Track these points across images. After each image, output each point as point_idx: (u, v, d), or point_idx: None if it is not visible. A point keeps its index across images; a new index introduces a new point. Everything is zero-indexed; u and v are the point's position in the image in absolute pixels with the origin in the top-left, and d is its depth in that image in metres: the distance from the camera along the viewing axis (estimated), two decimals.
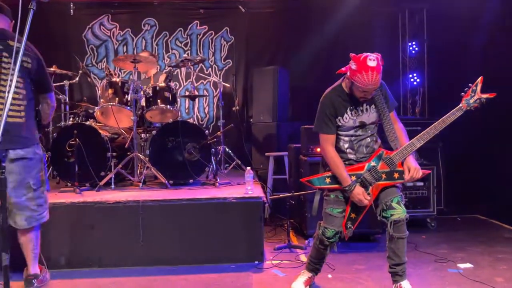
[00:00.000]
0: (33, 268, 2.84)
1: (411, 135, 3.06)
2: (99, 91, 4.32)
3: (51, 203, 3.24)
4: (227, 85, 5.43)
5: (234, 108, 5.83)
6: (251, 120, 5.63)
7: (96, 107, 4.25)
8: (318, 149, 3.98)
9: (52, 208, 3.23)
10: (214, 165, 4.26)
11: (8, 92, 1.87)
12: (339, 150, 2.68)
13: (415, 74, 5.99)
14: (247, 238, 3.34)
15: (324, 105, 2.68)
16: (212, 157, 4.24)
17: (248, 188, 3.46)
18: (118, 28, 5.99)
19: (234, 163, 4.91)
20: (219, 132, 4.47)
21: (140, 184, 4.02)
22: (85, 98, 5.23)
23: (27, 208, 2.72)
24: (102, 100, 4.20)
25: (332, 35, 5.82)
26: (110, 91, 4.17)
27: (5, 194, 1.72)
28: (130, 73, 5.86)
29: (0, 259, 1.66)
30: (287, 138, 5.30)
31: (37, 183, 2.78)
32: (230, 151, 4.94)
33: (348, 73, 2.54)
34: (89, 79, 5.28)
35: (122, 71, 5.96)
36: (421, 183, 4.45)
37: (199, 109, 6.11)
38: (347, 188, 2.56)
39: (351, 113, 2.61)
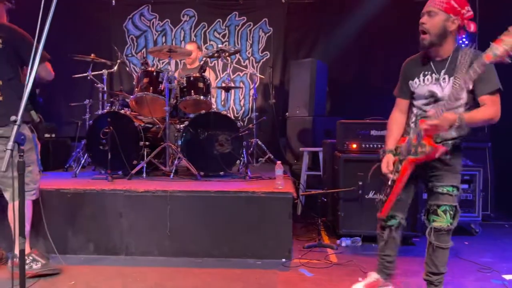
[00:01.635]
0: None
1: None
2: (135, 81, 4.34)
3: (82, 189, 3.31)
4: (262, 77, 5.33)
5: (270, 101, 5.72)
6: (287, 113, 5.49)
7: (131, 96, 4.27)
8: (354, 145, 3.81)
9: (83, 194, 3.30)
10: (246, 158, 4.17)
11: None
12: (407, 123, 2.45)
13: None
14: (275, 234, 3.23)
15: (401, 68, 2.49)
16: (244, 150, 4.16)
17: (278, 183, 3.34)
18: (157, 18, 6.03)
19: (266, 157, 4.81)
20: (251, 125, 4.37)
21: (171, 175, 4.00)
22: (121, 87, 5.30)
23: (11, 185, 2.65)
24: (136, 89, 4.21)
25: (372, 30, 5.57)
26: (145, 80, 4.18)
27: (23, 178, 1.71)
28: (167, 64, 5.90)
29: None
30: (323, 133, 5.12)
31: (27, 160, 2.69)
32: (262, 145, 4.83)
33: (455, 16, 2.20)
34: (127, 69, 5.35)
35: (161, 61, 6.00)
36: (466, 186, 4.15)
37: (235, 101, 6.05)
38: (381, 155, 2.46)
39: (424, 79, 2.31)
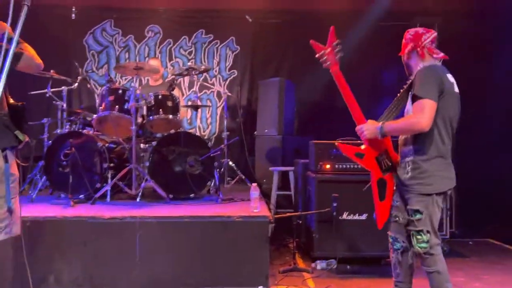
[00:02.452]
0: None
1: None
2: (98, 98, 4.12)
3: (39, 216, 3.05)
4: (232, 95, 5.24)
5: (238, 120, 5.64)
6: (255, 132, 5.43)
7: (94, 115, 4.04)
8: (328, 166, 3.79)
9: (42, 221, 3.02)
10: (217, 179, 4.04)
11: None
12: None
13: None
14: (251, 260, 3.10)
15: (432, 73, 2.29)
16: (215, 171, 4.03)
17: (253, 206, 3.23)
18: (120, 34, 5.83)
19: (237, 177, 4.69)
20: (223, 145, 4.25)
21: (138, 198, 3.79)
22: (82, 105, 5.03)
23: None
24: (101, 107, 3.99)
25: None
26: (110, 98, 3.96)
27: None
28: (133, 80, 5.69)
29: None
30: (292, 152, 5.09)
31: None
32: (233, 165, 4.72)
33: (413, 44, 2.42)
34: (88, 86, 5.09)
35: (124, 78, 5.78)
36: None
37: (202, 119, 5.92)
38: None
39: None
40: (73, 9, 5.65)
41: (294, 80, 5.58)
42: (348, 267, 3.63)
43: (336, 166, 3.78)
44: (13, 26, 1.73)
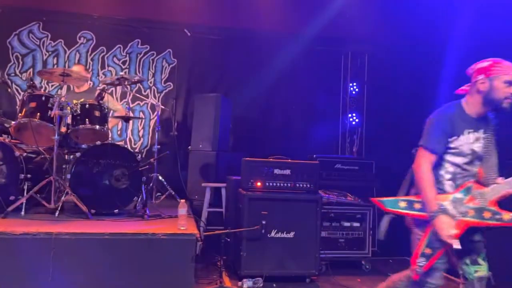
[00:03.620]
0: None
1: (348, 173, 2.83)
2: (18, 104, 3.83)
3: None
4: (166, 108, 5.13)
5: (172, 133, 5.52)
6: (189, 147, 5.34)
7: (13, 122, 3.74)
8: (259, 183, 3.81)
9: None
10: (144, 195, 3.89)
11: None
12: (436, 179, 2.34)
13: (354, 114, 6.12)
14: (176, 279, 3.00)
15: (440, 120, 2.34)
16: (143, 186, 3.88)
17: (181, 223, 3.14)
18: (49, 37, 5.51)
19: (167, 193, 4.56)
20: (152, 159, 4.12)
21: (57, 213, 3.53)
22: (1, 110, 4.64)
23: None
24: (20, 114, 3.70)
25: (276, 69, 5.81)
26: (31, 104, 3.70)
27: None
28: (59, 87, 5.37)
29: None
30: (226, 169, 5.07)
31: None
32: (163, 180, 4.58)
33: (482, 76, 2.28)
34: (8, 90, 4.73)
35: (50, 84, 5.44)
36: (358, 224, 4.41)
37: (133, 131, 5.72)
38: (431, 214, 2.23)
39: (468, 136, 2.32)
40: None
41: (230, 97, 5.60)
42: (274, 285, 3.64)
43: (267, 183, 3.82)
44: None
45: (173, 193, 4.52)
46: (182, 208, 3.20)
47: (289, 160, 3.97)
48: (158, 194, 4.84)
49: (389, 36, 5.55)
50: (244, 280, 3.58)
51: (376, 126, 5.92)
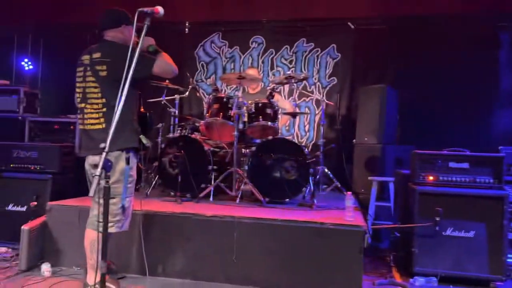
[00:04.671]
0: (87, 275, 2.78)
1: None
2: (205, 106, 4.47)
3: (153, 211, 3.40)
4: (331, 103, 5.23)
5: (336, 127, 5.61)
6: (354, 140, 5.34)
7: (202, 121, 4.39)
8: (431, 178, 3.58)
9: (154, 216, 3.38)
10: (312, 186, 4.08)
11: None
12: None
13: None
14: (344, 269, 3.08)
15: None
16: (311, 178, 4.08)
17: (348, 214, 3.21)
18: (227, 45, 6.22)
19: (333, 185, 4.66)
20: (319, 152, 4.28)
21: (237, 199, 4.02)
22: (190, 112, 5.49)
23: (92, 209, 2.74)
24: (207, 114, 4.32)
25: (446, 58, 5.33)
26: (215, 106, 4.28)
27: (107, 204, 1.77)
28: (236, 89, 6.04)
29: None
30: (393, 162, 4.90)
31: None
32: (329, 172, 4.70)
33: None
34: (197, 94, 5.53)
35: (229, 87, 6.15)
36: None
37: (299, 126, 6.01)
38: None
39: None
40: (187, 24, 6.20)
41: (397, 87, 5.37)
42: (451, 287, 3.38)
43: (441, 178, 3.56)
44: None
45: (339, 185, 4.60)
46: (350, 200, 3.26)
47: (467, 153, 3.62)
48: (324, 186, 4.99)
49: None
50: (416, 277, 3.42)
51: None
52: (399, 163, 4.81)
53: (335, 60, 5.92)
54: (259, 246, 3.23)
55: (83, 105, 2.74)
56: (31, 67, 6.12)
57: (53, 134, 4.68)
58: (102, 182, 1.80)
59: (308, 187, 4.07)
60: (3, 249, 3.74)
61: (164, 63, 2.77)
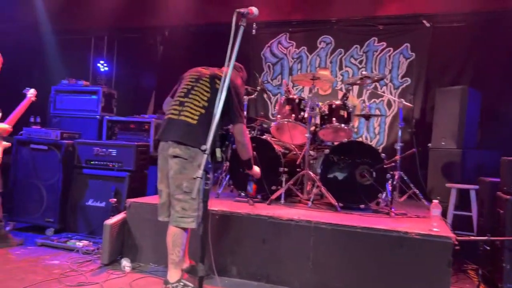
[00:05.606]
0: (168, 272, 2.82)
1: None
2: (276, 107, 4.43)
3: (227, 211, 3.41)
4: (409, 105, 4.97)
5: (410, 130, 5.35)
6: (429, 144, 5.05)
7: (273, 123, 4.35)
8: None
9: (228, 216, 3.38)
10: (389, 192, 3.89)
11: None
12: None
13: None
14: (429, 283, 2.89)
15: None
16: (387, 183, 3.89)
17: (434, 224, 3.01)
18: (294, 46, 6.15)
19: (410, 191, 4.43)
20: (397, 156, 4.08)
21: (309, 203, 3.93)
22: (261, 113, 5.47)
23: (174, 207, 2.78)
24: (279, 116, 4.27)
25: None
26: (287, 107, 4.22)
27: (207, 205, 1.76)
28: (302, 90, 5.95)
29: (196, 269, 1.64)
30: (473, 168, 4.59)
31: (189, 186, 2.71)
32: (406, 178, 4.47)
33: None
34: (265, 95, 5.51)
35: (295, 87, 6.07)
36: None
37: (369, 129, 5.80)
38: None
39: None
40: (254, 25, 6.18)
41: (477, 88, 5.02)
42: None
43: None
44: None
45: (417, 192, 4.36)
46: (436, 209, 3.06)
47: None
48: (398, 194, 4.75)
49: None
50: None
51: None
52: (481, 170, 4.48)
53: (408, 60, 5.65)
54: (337, 253, 3.12)
55: (184, 99, 2.89)
56: (106, 68, 6.41)
57: (128, 133, 4.86)
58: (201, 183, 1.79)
59: (384, 193, 3.89)
60: (85, 242, 3.92)
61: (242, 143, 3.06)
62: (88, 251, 3.75)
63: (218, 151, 2.76)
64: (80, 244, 3.87)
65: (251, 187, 3.61)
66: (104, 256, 3.47)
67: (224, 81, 2.14)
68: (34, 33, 6.46)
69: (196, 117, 2.80)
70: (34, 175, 4.54)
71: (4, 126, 4.02)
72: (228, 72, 2.08)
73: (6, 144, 4.11)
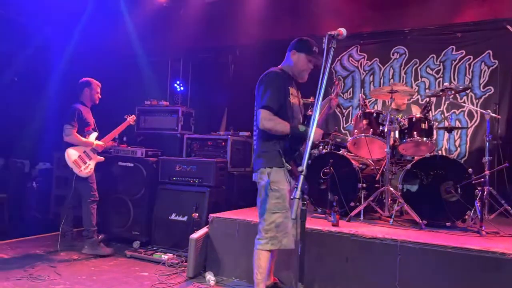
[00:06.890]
0: None
1: None
2: (353, 122, 4.38)
3: (307, 228, 3.38)
4: (497, 116, 4.67)
5: (495, 142, 5.01)
6: None
7: (349, 138, 4.31)
8: None
9: (309, 233, 3.38)
10: (478, 209, 3.67)
11: None
12: None
13: None
14: None
15: None
16: (476, 200, 3.68)
17: None
18: (366, 58, 6.05)
19: (502, 208, 4.13)
20: (487, 171, 3.84)
21: (390, 220, 3.82)
22: (336, 127, 5.43)
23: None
24: (356, 130, 4.22)
25: None
26: (364, 121, 4.16)
27: (304, 225, 1.79)
28: (374, 104, 5.82)
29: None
30: None
31: (261, 209, 2.86)
32: (496, 194, 4.17)
33: None
34: (337, 110, 5.46)
35: (367, 100, 5.96)
36: None
37: (449, 141, 5.51)
38: None
39: None
40: (324, 39, 6.19)
41: None
42: None
43: None
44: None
45: (509, 208, 4.05)
46: None
47: None
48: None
49: None
50: None
51: None
52: None
53: (491, 68, 5.32)
54: (426, 274, 2.99)
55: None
56: (182, 88, 6.75)
57: (207, 150, 5.06)
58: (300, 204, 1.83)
59: (473, 210, 3.67)
60: (170, 255, 4.12)
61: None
62: (173, 264, 3.93)
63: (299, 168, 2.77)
64: (165, 257, 4.08)
65: (335, 218, 3.59)
66: (190, 269, 3.62)
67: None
68: (121, 56, 6.98)
69: (254, 138, 3.10)
70: (121, 190, 4.88)
71: (100, 143, 4.45)
72: (319, 94, 2.11)
73: (99, 158, 4.50)
